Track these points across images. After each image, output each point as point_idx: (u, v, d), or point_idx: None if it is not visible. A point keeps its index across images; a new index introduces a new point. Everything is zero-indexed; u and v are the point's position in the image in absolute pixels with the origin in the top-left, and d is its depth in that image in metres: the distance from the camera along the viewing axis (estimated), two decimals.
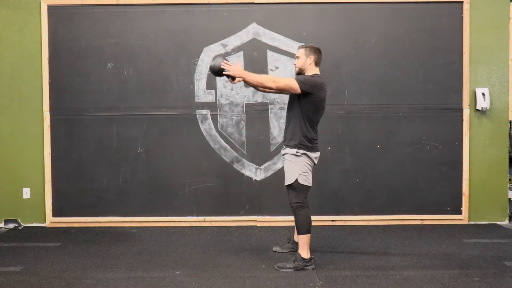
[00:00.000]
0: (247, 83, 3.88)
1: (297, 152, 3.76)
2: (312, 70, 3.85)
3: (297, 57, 3.91)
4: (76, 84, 5.15)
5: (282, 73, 5.14)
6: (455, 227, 5.06)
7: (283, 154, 3.90)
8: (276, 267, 3.77)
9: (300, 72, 3.90)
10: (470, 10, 5.10)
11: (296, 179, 3.75)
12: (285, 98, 5.11)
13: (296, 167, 3.76)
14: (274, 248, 4.27)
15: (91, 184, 5.18)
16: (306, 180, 3.77)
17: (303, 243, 3.74)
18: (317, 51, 3.87)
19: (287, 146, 3.85)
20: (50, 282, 3.51)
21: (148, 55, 5.15)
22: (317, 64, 3.87)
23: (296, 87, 3.69)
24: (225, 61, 3.74)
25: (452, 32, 5.13)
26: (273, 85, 3.74)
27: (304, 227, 3.73)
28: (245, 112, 5.17)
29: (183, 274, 3.67)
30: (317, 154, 3.85)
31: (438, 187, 5.18)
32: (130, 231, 4.98)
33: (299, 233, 3.76)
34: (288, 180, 3.79)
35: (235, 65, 3.76)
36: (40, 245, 4.49)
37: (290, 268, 3.72)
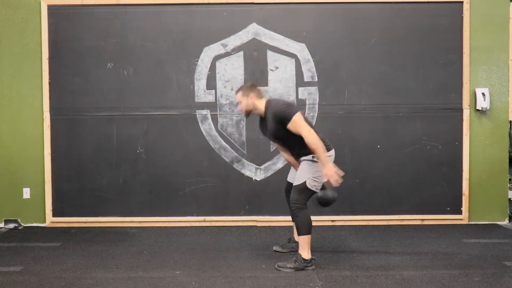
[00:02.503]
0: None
1: (313, 157, 3.74)
2: (259, 103, 3.84)
3: (238, 103, 3.90)
4: (76, 84, 5.15)
5: (282, 73, 5.14)
6: (455, 227, 5.06)
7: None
8: (276, 267, 3.77)
9: (248, 113, 3.91)
10: (470, 10, 5.10)
11: (305, 182, 3.74)
12: (285, 97, 5.13)
13: (309, 170, 3.75)
14: (275, 248, 4.27)
15: (91, 184, 5.18)
16: (314, 186, 3.75)
17: (304, 243, 3.73)
18: (252, 87, 3.87)
19: (303, 159, 3.82)
20: (50, 282, 3.51)
21: (148, 55, 5.15)
22: (260, 96, 3.86)
23: (308, 129, 3.66)
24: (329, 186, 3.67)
25: (452, 32, 5.13)
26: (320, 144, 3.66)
27: (305, 227, 3.72)
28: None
29: (183, 274, 3.67)
30: (332, 152, 3.84)
31: (438, 187, 5.18)
32: (130, 231, 4.98)
33: (299, 234, 3.76)
34: (297, 181, 3.78)
35: (330, 173, 3.61)
36: (40, 245, 4.49)
37: (291, 268, 3.72)
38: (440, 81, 5.15)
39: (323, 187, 3.78)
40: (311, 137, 3.63)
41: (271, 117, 3.75)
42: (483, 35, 5.12)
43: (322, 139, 3.74)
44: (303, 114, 3.79)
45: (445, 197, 5.18)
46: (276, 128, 3.75)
